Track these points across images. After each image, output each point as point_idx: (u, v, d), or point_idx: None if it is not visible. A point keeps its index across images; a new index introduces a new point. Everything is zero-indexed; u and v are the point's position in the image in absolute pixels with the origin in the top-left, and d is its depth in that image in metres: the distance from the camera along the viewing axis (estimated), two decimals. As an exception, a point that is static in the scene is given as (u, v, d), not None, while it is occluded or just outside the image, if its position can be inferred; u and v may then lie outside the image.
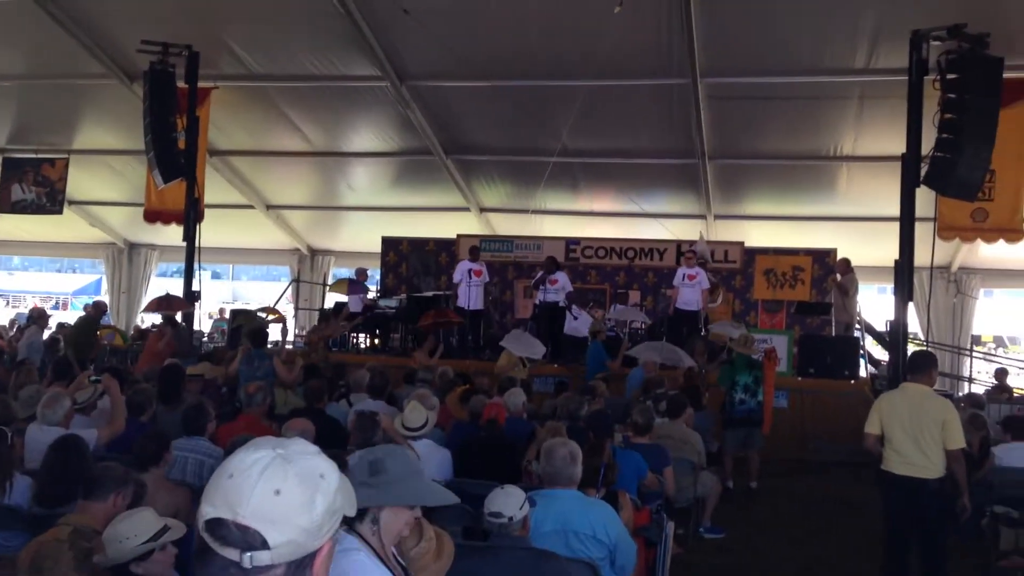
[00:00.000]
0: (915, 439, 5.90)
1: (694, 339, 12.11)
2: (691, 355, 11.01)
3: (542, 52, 12.54)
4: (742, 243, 16.17)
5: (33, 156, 17.28)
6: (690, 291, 12.90)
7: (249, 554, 1.39)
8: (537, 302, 13.82)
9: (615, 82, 12.91)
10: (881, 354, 14.95)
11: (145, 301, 18.02)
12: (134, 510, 3.41)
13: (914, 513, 6.01)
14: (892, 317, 11.20)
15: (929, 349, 7.31)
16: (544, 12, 11.87)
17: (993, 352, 22.66)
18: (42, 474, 4.45)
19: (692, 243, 14.54)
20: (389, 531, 2.64)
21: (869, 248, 15.01)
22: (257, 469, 1.42)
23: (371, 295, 15.78)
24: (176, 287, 14.53)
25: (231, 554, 1.40)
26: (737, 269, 16.08)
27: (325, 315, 14.39)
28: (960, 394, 14.29)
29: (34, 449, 5.28)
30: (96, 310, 14.13)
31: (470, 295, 13.70)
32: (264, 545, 1.40)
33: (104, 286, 23.40)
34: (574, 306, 13.77)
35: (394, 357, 13.29)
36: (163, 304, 12.80)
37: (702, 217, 16.43)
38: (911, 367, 6.47)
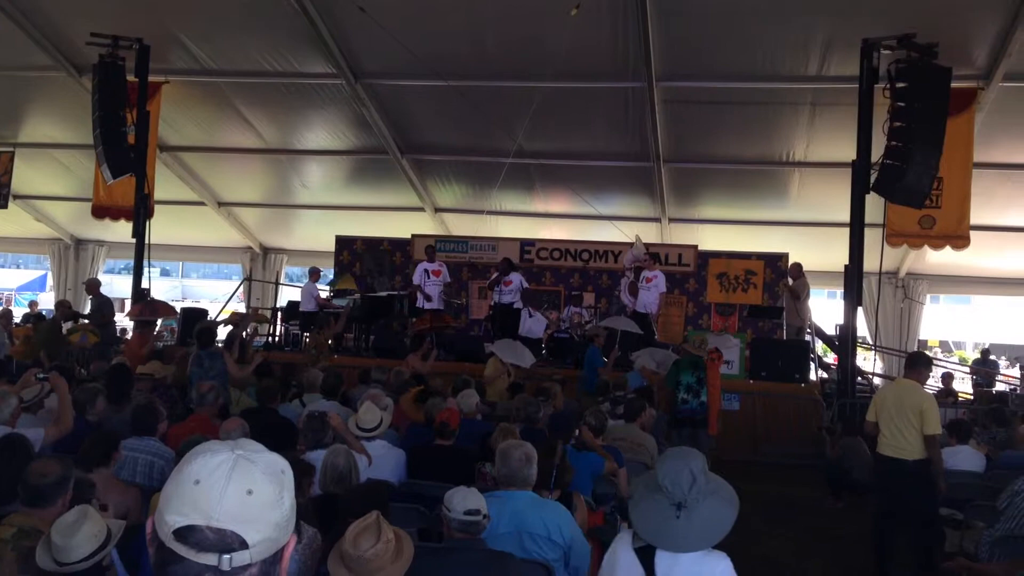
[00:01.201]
0: (897, 425, 6.82)
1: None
2: None
3: (499, 53, 12.56)
4: (695, 246, 16.31)
5: (-23, 149, 16.91)
6: (646, 293, 12.97)
7: (228, 556, 1.39)
8: (492, 303, 13.81)
9: (571, 84, 12.92)
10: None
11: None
12: (78, 515, 3.31)
13: (896, 490, 6.87)
14: (842, 321, 11.37)
15: (924, 352, 8.01)
16: (501, 13, 11.87)
17: (939, 356, 23.08)
18: (-14, 473, 4.34)
19: (630, 246, 14.44)
20: None
21: (820, 253, 15.24)
22: (223, 472, 1.41)
23: (324, 294, 15.65)
24: (125, 284, 14.25)
25: (208, 559, 1.39)
26: (690, 272, 16.22)
27: (323, 318, 13.94)
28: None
29: (-23, 448, 5.15)
30: (63, 309, 13.65)
31: (426, 293, 13.66)
32: (243, 545, 1.40)
33: (49, 282, 22.94)
34: (529, 307, 13.77)
35: (348, 357, 13.18)
36: (147, 309, 12.55)
37: (656, 220, 16.55)
38: (906, 365, 7.43)
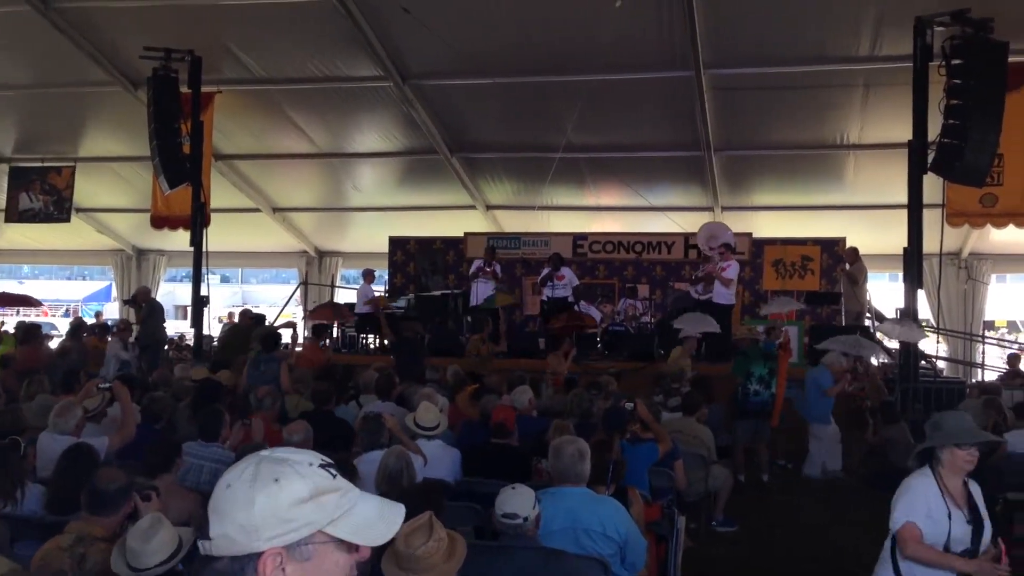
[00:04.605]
0: None
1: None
2: None
3: (544, 48, 12.53)
4: (750, 234, 16.12)
5: (39, 165, 17.34)
6: (716, 284, 12.73)
7: (203, 541, 1.48)
8: (544, 298, 13.79)
9: (618, 76, 12.86)
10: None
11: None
12: (152, 522, 3.39)
13: None
14: (902, 305, 11.15)
15: None
16: (545, 7, 11.83)
17: (1005, 337, 22.50)
18: (54, 482, 4.48)
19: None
20: (953, 466, 4.04)
21: (878, 236, 14.95)
22: (234, 468, 1.53)
23: (379, 294, 15.79)
24: (185, 292, 14.44)
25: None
26: (746, 260, 16.00)
27: (479, 321, 13.24)
28: (973, 381, 14.22)
29: (46, 457, 5.33)
30: (248, 319, 13.83)
31: (478, 292, 13.75)
32: (205, 535, 1.48)
33: (114, 292, 23.42)
34: (582, 301, 13.74)
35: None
36: (337, 312, 12.91)
37: (709, 209, 16.39)
38: None
